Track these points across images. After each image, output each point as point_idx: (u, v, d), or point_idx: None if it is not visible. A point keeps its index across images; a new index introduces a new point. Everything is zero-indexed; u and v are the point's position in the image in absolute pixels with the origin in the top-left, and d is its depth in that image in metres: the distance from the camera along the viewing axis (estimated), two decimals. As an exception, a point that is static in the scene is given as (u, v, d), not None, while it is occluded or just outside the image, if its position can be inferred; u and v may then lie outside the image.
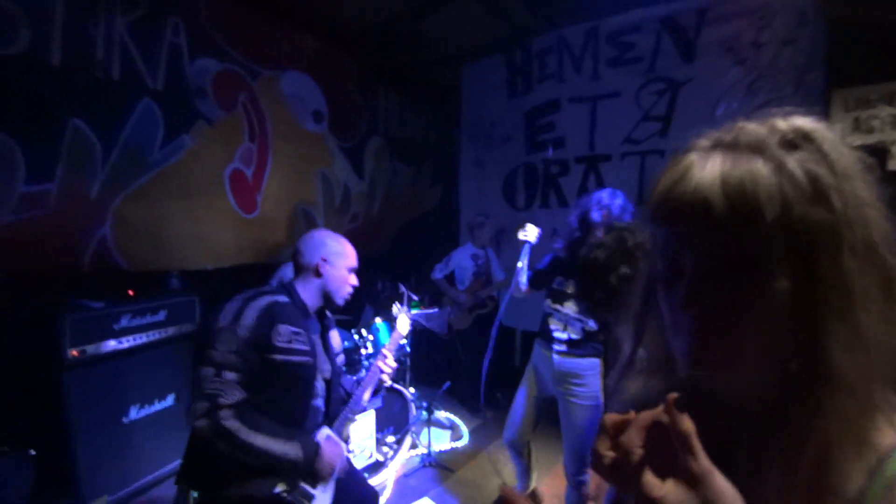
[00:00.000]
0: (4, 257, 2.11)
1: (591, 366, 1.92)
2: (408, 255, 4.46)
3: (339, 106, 3.74)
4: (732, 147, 0.44)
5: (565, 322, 1.96)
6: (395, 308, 2.08)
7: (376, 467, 2.70)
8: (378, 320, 3.07)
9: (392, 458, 2.79)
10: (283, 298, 1.42)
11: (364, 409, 2.53)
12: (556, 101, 3.50)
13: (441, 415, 3.45)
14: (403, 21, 3.43)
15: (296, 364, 1.38)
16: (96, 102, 2.37)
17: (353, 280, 1.60)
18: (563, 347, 1.96)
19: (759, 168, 0.41)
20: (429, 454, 2.89)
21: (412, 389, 3.15)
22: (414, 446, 2.99)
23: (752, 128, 0.45)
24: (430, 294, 3.73)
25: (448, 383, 3.00)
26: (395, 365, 1.70)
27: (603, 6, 3.10)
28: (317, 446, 1.41)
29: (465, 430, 3.32)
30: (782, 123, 0.44)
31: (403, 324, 1.80)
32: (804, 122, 0.44)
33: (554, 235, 3.59)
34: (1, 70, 2.05)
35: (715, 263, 0.42)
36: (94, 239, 2.41)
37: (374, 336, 2.98)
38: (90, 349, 2.11)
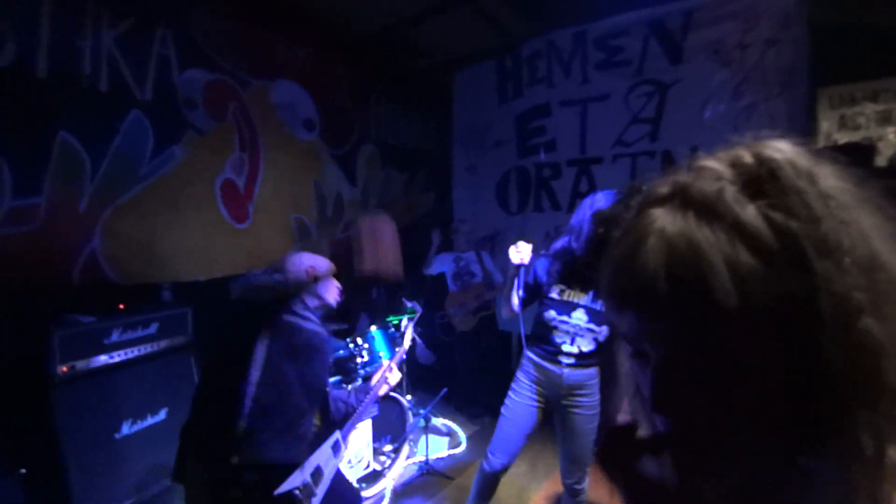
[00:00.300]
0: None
1: (596, 374, 1.85)
2: (403, 261, 4.44)
3: (330, 114, 3.74)
4: (685, 201, 0.36)
5: (574, 334, 1.81)
6: (404, 322, 2.11)
7: (374, 477, 2.67)
8: (373, 328, 3.05)
9: (389, 467, 2.76)
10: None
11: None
12: (546, 105, 3.52)
13: (438, 422, 3.43)
14: (396, 30, 3.45)
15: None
16: (84, 115, 2.35)
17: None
18: (572, 360, 1.82)
19: (706, 237, 0.33)
20: (426, 462, 2.87)
21: (409, 396, 3.13)
22: (411, 454, 2.97)
23: (711, 169, 0.37)
24: (424, 300, 3.72)
25: (445, 390, 2.98)
26: (399, 376, 1.73)
27: (590, 10, 3.13)
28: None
29: (462, 436, 3.30)
30: (747, 156, 0.37)
31: (408, 338, 1.82)
32: (773, 150, 0.36)
33: (546, 239, 3.60)
34: (-13, 83, 2.04)
35: (678, 361, 0.36)
36: (83, 252, 2.38)
37: (369, 344, 2.96)
38: (80, 365, 2.08)
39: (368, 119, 4.18)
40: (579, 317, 1.79)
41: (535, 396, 1.92)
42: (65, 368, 2.02)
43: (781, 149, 0.37)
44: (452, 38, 3.61)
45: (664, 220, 0.36)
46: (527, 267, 1.83)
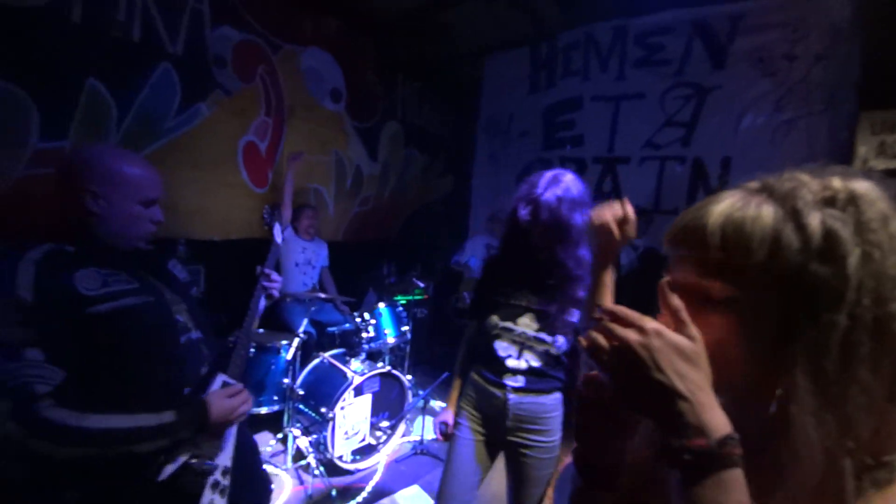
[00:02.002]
0: (17, 211, 2.10)
1: (554, 404, 1.43)
2: (416, 243, 4.44)
3: (357, 87, 3.69)
4: (768, 192, 0.45)
5: (521, 345, 1.42)
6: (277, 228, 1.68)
7: (368, 450, 2.72)
8: (381, 305, 3.06)
9: (384, 442, 2.80)
10: (67, 247, 1.03)
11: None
12: (578, 99, 3.44)
13: (437, 404, 3.46)
14: (428, 11, 3.37)
15: (132, 308, 1.02)
16: (114, 63, 2.34)
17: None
18: (519, 382, 1.42)
19: (766, 213, 0.43)
20: (421, 442, 2.91)
21: (409, 376, 3.15)
22: (407, 433, 3.00)
23: (802, 180, 0.45)
24: (434, 283, 3.72)
25: (447, 373, 3.00)
26: (279, 279, 1.44)
27: (634, 5, 3.03)
28: (201, 402, 1.07)
29: (458, 421, 3.33)
30: (838, 183, 0.43)
31: (277, 233, 1.62)
32: (861, 185, 0.43)
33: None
34: (21, 22, 2.03)
35: (697, 293, 0.46)
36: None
37: (376, 320, 2.97)
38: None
39: (395, 97, 4.13)
40: (527, 322, 1.42)
41: (475, 430, 1.51)
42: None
43: (868, 187, 0.43)
44: (486, 24, 3.52)
45: (742, 195, 0.46)
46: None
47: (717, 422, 0.40)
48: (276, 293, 1.43)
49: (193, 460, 1.06)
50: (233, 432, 1.17)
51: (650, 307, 0.48)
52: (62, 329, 0.93)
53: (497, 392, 1.44)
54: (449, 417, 1.61)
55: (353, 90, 3.65)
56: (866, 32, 2.40)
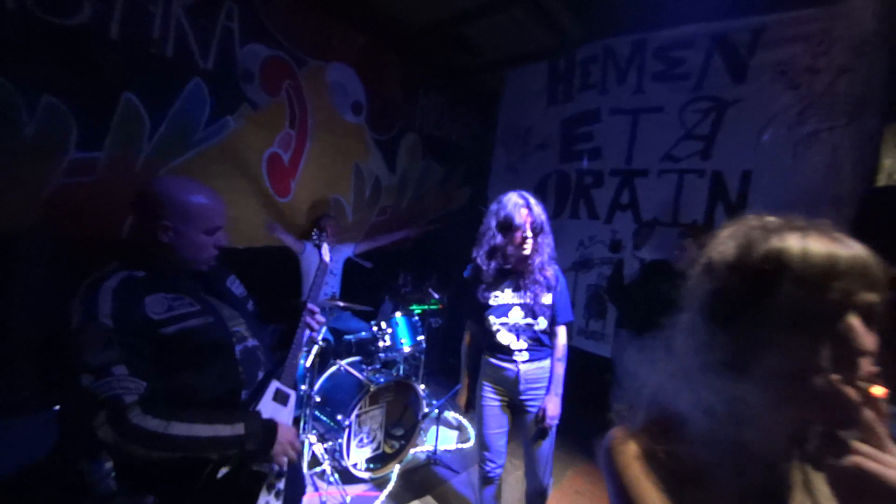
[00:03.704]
0: (52, 219, 2.21)
1: (547, 366, 1.91)
2: (432, 253, 4.48)
3: (378, 100, 3.78)
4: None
5: (517, 331, 1.88)
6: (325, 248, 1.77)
7: (382, 459, 2.72)
8: (398, 314, 3.09)
9: (399, 452, 2.80)
10: (137, 273, 1.15)
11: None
12: (596, 112, 3.45)
13: (450, 415, 3.46)
14: (450, 25, 3.44)
15: (194, 329, 1.14)
16: (149, 78, 2.45)
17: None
18: (525, 357, 1.88)
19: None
20: (434, 452, 2.90)
21: (423, 387, 3.17)
22: (421, 443, 3.01)
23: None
24: (450, 293, 3.74)
25: (460, 385, 3.00)
26: (323, 320, 1.52)
27: (653, 19, 3.04)
28: (271, 423, 1.19)
29: (472, 432, 3.32)
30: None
31: (326, 253, 1.69)
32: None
33: (580, 247, 3.55)
34: (62, 40, 2.15)
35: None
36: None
37: (392, 329, 3.00)
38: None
39: (415, 109, 4.20)
40: (516, 314, 1.87)
41: (498, 398, 1.99)
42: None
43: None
44: (507, 37, 3.57)
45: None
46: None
47: None
48: (316, 335, 1.51)
49: (255, 465, 1.18)
50: (285, 462, 1.27)
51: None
52: (140, 347, 1.06)
53: (511, 367, 1.90)
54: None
55: (374, 103, 3.73)
56: (891, 45, 2.37)
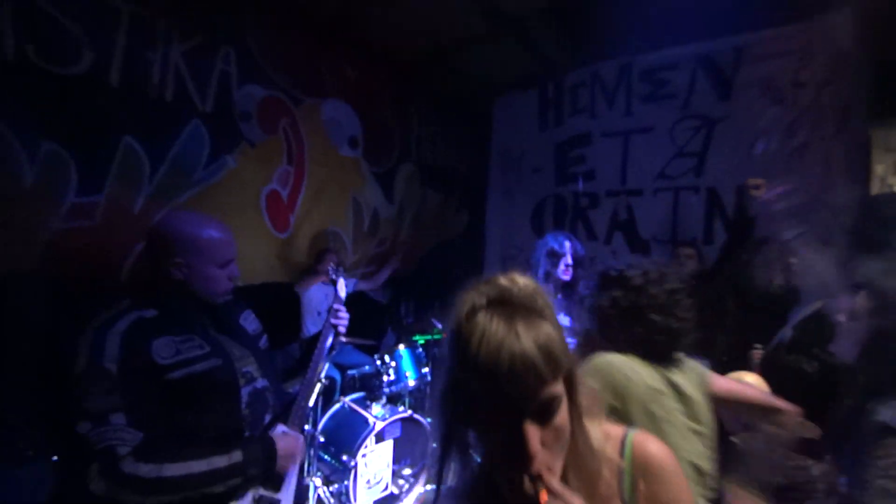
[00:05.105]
0: (51, 264, 2.19)
1: None
2: (433, 281, 4.45)
3: (374, 132, 3.85)
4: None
5: None
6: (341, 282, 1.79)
7: (391, 500, 2.61)
8: (401, 347, 3.03)
9: (408, 491, 2.69)
10: (149, 312, 1.13)
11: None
12: (587, 135, 3.52)
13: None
14: (441, 55, 3.56)
15: (203, 373, 1.12)
16: (149, 122, 2.49)
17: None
18: None
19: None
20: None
21: (430, 419, 3.07)
22: (430, 480, 2.89)
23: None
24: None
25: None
26: (346, 314, 1.53)
27: (637, 43, 3.14)
28: (269, 442, 1.18)
29: (483, 466, 3.20)
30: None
31: (342, 287, 1.70)
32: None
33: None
34: (64, 88, 2.19)
35: None
36: (134, 251, 2.48)
37: (396, 362, 2.93)
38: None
39: (409, 139, 4.28)
40: None
41: None
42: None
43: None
44: (496, 65, 3.69)
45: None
46: None
47: None
48: (342, 328, 1.51)
49: (261, 495, 1.16)
50: (295, 470, 1.27)
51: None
52: (142, 394, 1.04)
53: None
54: None
55: (370, 136, 3.80)
56: (871, 53, 2.44)
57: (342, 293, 1.67)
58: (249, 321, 1.42)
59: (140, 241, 2.45)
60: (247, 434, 1.19)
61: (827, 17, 2.51)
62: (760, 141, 2.71)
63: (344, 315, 1.52)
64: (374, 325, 3.60)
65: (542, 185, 3.83)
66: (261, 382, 1.25)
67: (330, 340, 1.50)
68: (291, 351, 2.85)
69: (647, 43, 3.10)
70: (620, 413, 0.98)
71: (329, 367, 2.71)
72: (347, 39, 3.32)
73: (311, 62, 3.30)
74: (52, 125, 2.17)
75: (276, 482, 1.20)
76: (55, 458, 1.97)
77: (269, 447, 1.16)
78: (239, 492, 1.11)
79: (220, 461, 1.07)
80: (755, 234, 2.21)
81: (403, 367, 2.98)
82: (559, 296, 2.20)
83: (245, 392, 1.20)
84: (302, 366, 1.47)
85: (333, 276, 1.74)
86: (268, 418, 1.26)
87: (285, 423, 1.28)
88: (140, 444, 1.01)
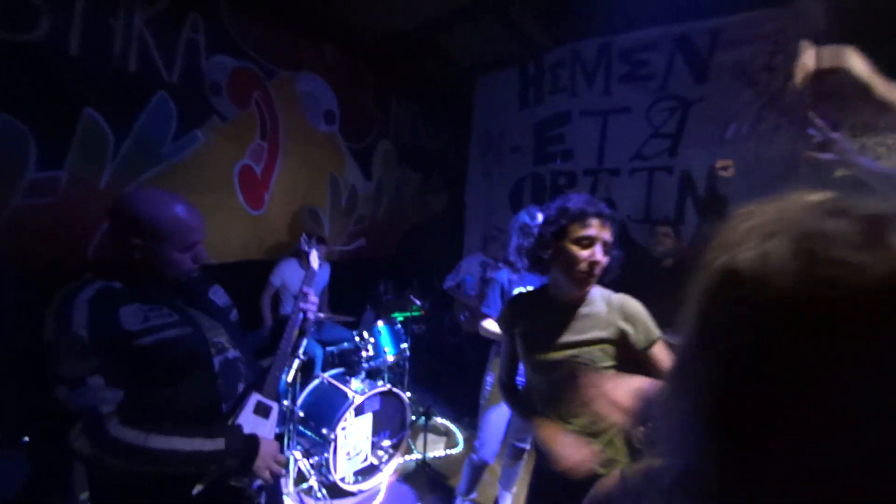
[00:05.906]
0: (12, 242, 2.11)
1: None
2: (412, 260, 4.46)
3: (351, 108, 3.76)
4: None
5: None
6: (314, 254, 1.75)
7: (370, 470, 2.69)
8: (380, 323, 3.06)
9: (387, 462, 2.77)
10: (115, 284, 1.11)
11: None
12: (566, 114, 3.52)
13: (438, 421, 3.44)
14: (421, 34, 3.47)
15: (171, 339, 1.10)
16: (111, 93, 2.38)
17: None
18: None
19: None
20: (423, 460, 2.88)
21: (409, 394, 3.14)
22: (409, 451, 2.98)
23: None
24: (431, 299, 3.73)
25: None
26: (315, 300, 1.52)
27: (617, 23, 3.13)
28: (253, 439, 1.16)
29: (460, 437, 3.31)
30: None
31: (315, 259, 1.69)
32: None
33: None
34: (19, 55, 2.07)
35: None
36: (100, 229, 2.40)
37: (375, 339, 2.96)
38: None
39: (388, 117, 4.20)
40: None
41: None
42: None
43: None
44: (476, 44, 3.62)
45: None
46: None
47: None
48: (311, 315, 1.50)
49: (233, 480, 1.15)
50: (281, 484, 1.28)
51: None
52: (115, 358, 1.04)
53: None
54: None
55: (347, 112, 3.72)
56: (842, 40, 2.49)
57: (315, 264, 1.65)
58: (219, 295, 1.40)
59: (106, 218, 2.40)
60: (224, 406, 1.19)
61: (801, 3, 2.55)
62: (733, 125, 2.77)
63: (313, 300, 1.50)
64: (352, 302, 3.61)
65: (521, 164, 3.84)
66: (232, 353, 1.24)
67: (300, 324, 1.49)
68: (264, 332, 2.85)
69: (627, 23, 3.09)
70: None
71: (310, 342, 2.72)
72: (322, 13, 3.19)
73: (283, 34, 3.18)
74: (6, 96, 2.05)
75: (249, 479, 1.17)
76: (26, 438, 1.94)
77: (252, 444, 1.16)
78: (207, 478, 1.10)
79: (204, 444, 1.08)
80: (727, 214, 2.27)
81: (382, 343, 3.01)
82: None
83: (217, 361, 1.19)
84: (273, 339, 1.45)
85: (305, 248, 1.71)
86: (241, 388, 1.25)
87: (260, 391, 1.27)
88: (122, 402, 1.01)
